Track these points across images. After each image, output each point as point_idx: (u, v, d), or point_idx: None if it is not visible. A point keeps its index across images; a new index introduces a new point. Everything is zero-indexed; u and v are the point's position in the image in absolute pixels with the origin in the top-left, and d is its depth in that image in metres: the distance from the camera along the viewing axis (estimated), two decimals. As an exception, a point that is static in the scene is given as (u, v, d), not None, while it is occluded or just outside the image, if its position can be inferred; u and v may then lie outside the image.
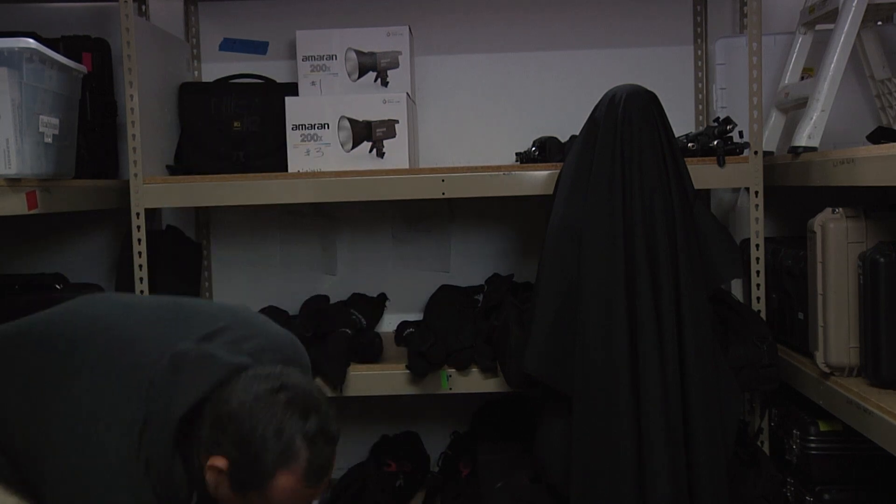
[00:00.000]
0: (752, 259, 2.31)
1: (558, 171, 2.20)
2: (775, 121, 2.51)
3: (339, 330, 2.45)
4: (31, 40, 1.90)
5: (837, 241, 1.98)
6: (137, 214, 2.30)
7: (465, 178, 2.30)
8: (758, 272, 2.32)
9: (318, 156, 2.39)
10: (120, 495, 1.35)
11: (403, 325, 2.63)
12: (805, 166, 2.14)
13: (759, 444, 2.34)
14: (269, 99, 2.63)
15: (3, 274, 2.47)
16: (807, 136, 2.18)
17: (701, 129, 2.48)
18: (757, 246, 2.31)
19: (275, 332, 1.57)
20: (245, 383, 1.39)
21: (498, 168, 2.31)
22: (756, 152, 2.28)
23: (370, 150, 2.38)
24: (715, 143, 2.28)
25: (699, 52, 2.77)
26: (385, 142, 2.38)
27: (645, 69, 2.73)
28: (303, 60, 2.52)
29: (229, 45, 2.82)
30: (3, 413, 1.45)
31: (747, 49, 2.27)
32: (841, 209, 2.00)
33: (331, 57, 2.52)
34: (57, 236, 2.83)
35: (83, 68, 2.21)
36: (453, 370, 2.32)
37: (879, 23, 2.41)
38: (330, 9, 2.79)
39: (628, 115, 2.04)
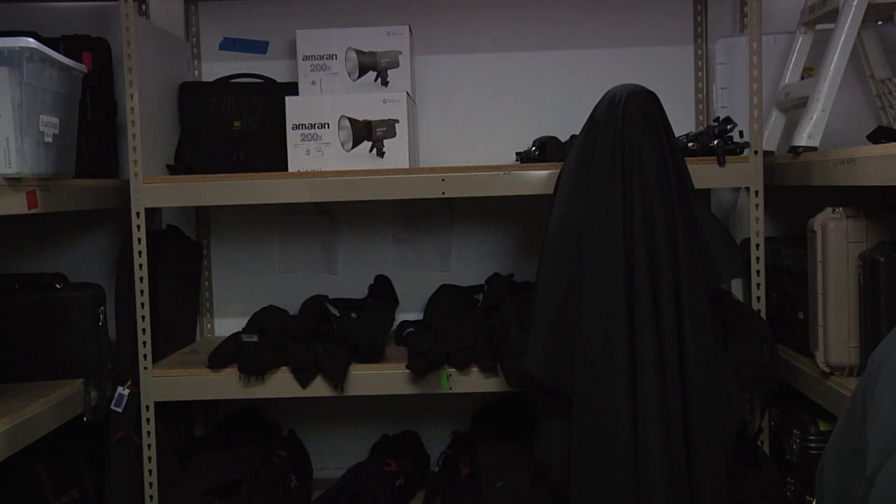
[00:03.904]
0: (752, 259, 2.31)
1: (558, 170, 2.20)
2: (775, 120, 2.51)
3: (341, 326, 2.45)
4: (31, 40, 1.90)
5: (837, 240, 1.98)
6: (137, 214, 2.30)
7: (465, 178, 2.30)
8: (758, 272, 2.32)
9: (318, 155, 2.39)
10: None
11: (403, 325, 2.63)
12: (805, 166, 2.14)
13: (759, 444, 2.33)
14: (269, 98, 2.63)
15: (3, 274, 2.47)
16: (807, 135, 2.18)
17: (701, 128, 2.48)
18: (757, 246, 2.31)
19: None
20: None
21: (498, 168, 2.31)
22: (756, 152, 2.28)
23: (370, 150, 2.38)
24: (715, 142, 2.27)
25: (699, 52, 2.77)
26: (385, 141, 2.38)
27: (645, 69, 2.73)
28: (303, 60, 2.52)
29: (229, 45, 2.82)
30: None
31: (747, 49, 2.27)
32: (841, 209, 2.00)
33: (331, 56, 2.52)
34: (57, 236, 2.83)
35: (83, 68, 2.21)
36: (453, 370, 2.32)
37: (879, 22, 2.41)
38: (330, 8, 2.79)
39: (628, 114, 2.04)
